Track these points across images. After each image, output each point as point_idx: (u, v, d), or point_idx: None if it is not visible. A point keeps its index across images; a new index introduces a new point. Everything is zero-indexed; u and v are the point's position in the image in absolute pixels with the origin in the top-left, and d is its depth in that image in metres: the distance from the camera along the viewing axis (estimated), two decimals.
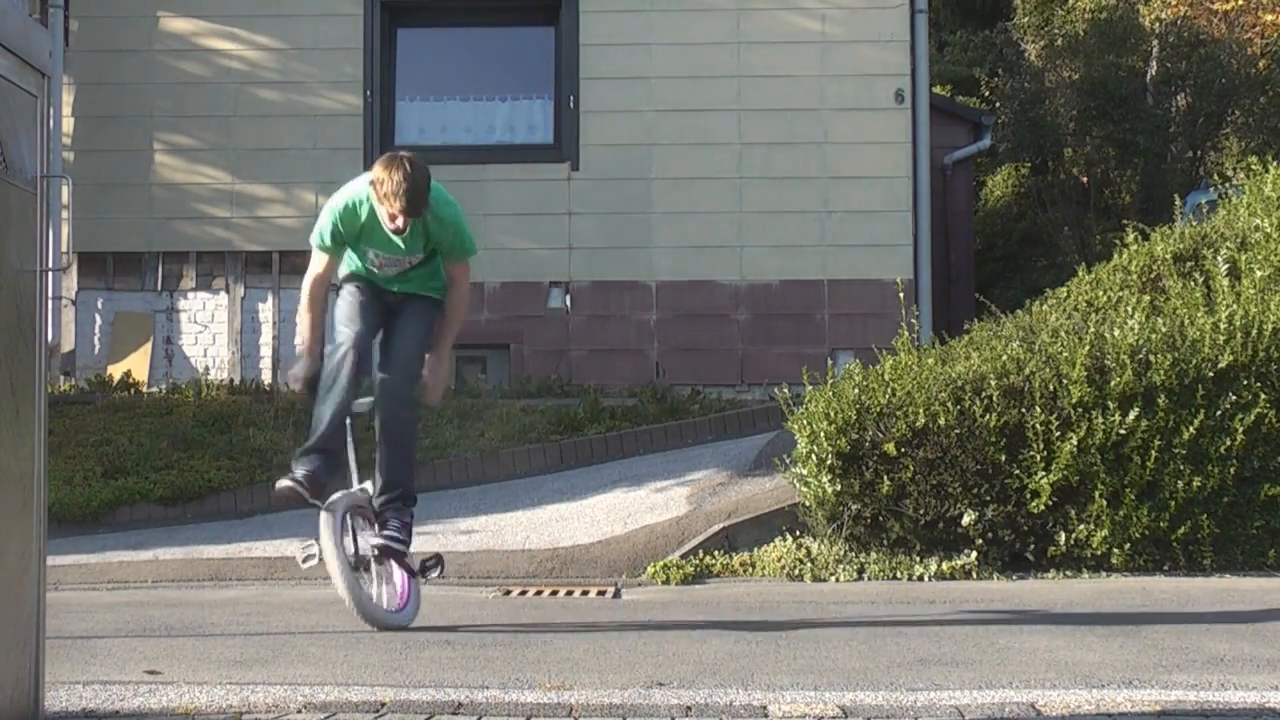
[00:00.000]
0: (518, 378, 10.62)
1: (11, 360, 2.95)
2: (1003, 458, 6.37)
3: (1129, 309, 7.01)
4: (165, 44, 11.18)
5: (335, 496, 4.95)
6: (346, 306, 5.10)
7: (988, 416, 6.34)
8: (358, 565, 4.95)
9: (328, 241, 5.08)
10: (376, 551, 4.95)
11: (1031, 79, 15.43)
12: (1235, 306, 6.67)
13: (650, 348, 10.94)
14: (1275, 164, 8.04)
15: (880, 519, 6.50)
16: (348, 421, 4.98)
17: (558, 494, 7.87)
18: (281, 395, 9.80)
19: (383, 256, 5.08)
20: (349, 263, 5.19)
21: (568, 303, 10.98)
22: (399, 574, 5.05)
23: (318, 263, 5.15)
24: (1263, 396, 6.41)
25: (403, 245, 5.01)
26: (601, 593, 6.24)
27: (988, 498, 6.41)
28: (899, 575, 6.41)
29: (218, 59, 11.17)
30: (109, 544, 7.43)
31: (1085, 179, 15.59)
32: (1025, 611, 5.51)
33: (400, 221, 4.87)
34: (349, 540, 4.94)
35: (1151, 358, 6.41)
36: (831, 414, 6.47)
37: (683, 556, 6.70)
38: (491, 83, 11.34)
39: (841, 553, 6.55)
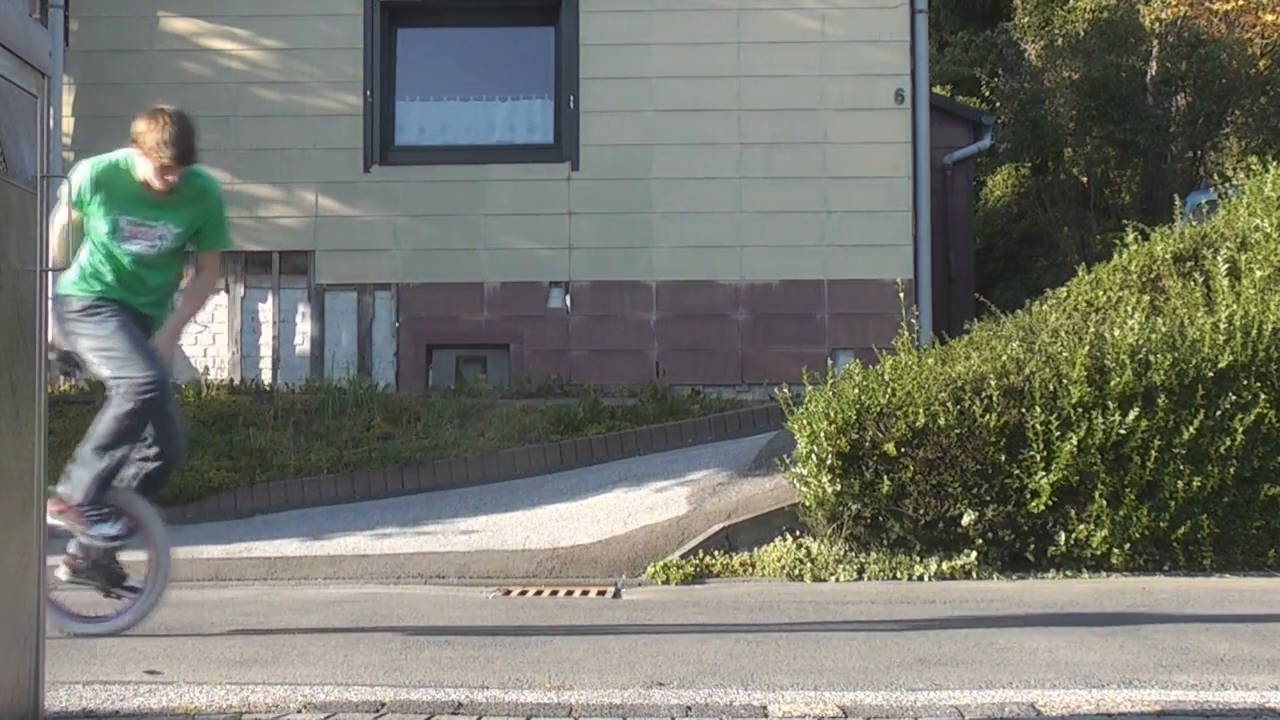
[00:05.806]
0: (518, 378, 10.62)
1: (11, 360, 2.95)
2: (1003, 458, 6.37)
3: (1129, 309, 7.01)
4: (165, 44, 11.18)
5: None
6: (128, 337, 4.74)
7: (988, 416, 6.34)
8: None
9: (86, 196, 4.74)
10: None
11: (1031, 79, 15.44)
12: (1235, 306, 6.67)
13: (650, 348, 10.93)
14: (1275, 164, 8.04)
15: (880, 519, 6.49)
16: None
17: (558, 494, 7.86)
18: (282, 395, 9.79)
19: (136, 224, 4.79)
20: (95, 272, 4.83)
21: (568, 303, 10.98)
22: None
23: (66, 214, 4.70)
24: (1263, 396, 6.41)
25: (162, 212, 4.78)
26: (601, 593, 6.24)
27: (988, 498, 6.40)
28: (899, 575, 6.41)
29: (218, 59, 11.16)
30: None
31: (1085, 179, 15.60)
32: (1025, 612, 5.51)
33: (172, 176, 4.68)
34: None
35: (1151, 358, 6.41)
36: (831, 414, 6.47)
37: (683, 556, 6.70)
38: (491, 83, 11.34)
39: (841, 553, 6.55)
